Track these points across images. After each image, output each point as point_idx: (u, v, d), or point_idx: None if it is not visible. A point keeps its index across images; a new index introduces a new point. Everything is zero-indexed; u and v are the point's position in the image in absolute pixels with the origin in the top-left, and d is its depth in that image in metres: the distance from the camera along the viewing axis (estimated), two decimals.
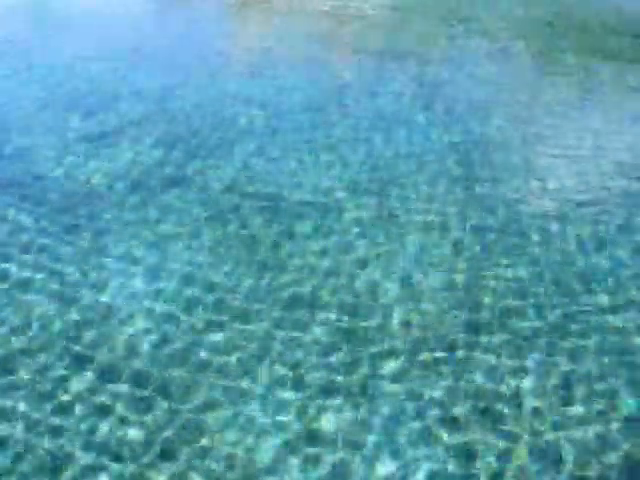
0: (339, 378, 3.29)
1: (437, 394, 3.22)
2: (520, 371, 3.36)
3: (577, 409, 3.16)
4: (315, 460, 2.91)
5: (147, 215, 4.47)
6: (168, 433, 3.02)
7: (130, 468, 2.85)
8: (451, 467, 2.89)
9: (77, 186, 4.75)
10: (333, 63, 6.83)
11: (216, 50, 7.10)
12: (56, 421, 3.05)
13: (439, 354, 3.44)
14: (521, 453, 2.95)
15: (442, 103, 6.02)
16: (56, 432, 3.00)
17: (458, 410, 3.15)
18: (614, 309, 3.75)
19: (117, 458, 2.90)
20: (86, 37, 7.39)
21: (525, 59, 6.98)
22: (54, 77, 6.41)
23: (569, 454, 2.96)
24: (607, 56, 7.05)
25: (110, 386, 3.23)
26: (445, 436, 3.02)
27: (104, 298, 3.76)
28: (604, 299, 3.82)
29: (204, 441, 2.98)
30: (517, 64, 6.86)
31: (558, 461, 2.93)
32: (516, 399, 3.21)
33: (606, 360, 3.43)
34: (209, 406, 3.15)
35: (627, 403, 3.19)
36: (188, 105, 5.93)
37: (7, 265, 4.00)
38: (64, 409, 3.11)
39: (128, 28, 7.71)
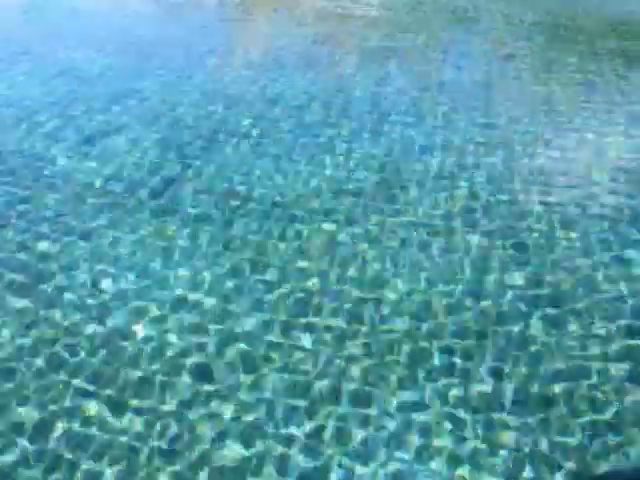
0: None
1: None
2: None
3: None
4: None
5: (145, 217, 4.48)
6: None
7: None
8: None
9: (76, 187, 4.77)
10: (333, 63, 6.83)
11: (216, 50, 7.10)
12: None
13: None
14: None
15: (442, 104, 6.03)
16: None
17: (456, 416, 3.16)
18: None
19: None
20: (86, 37, 7.39)
21: (526, 59, 6.98)
22: (53, 77, 6.42)
23: None
24: (607, 56, 7.05)
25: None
26: None
27: (97, 305, 3.78)
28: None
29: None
30: (518, 64, 6.86)
31: None
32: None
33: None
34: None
35: None
36: (187, 106, 5.93)
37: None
38: None
39: (128, 28, 7.71)
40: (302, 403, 3.18)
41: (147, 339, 3.51)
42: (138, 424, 3.06)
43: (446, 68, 6.72)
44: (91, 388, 3.23)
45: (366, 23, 7.89)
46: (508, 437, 3.04)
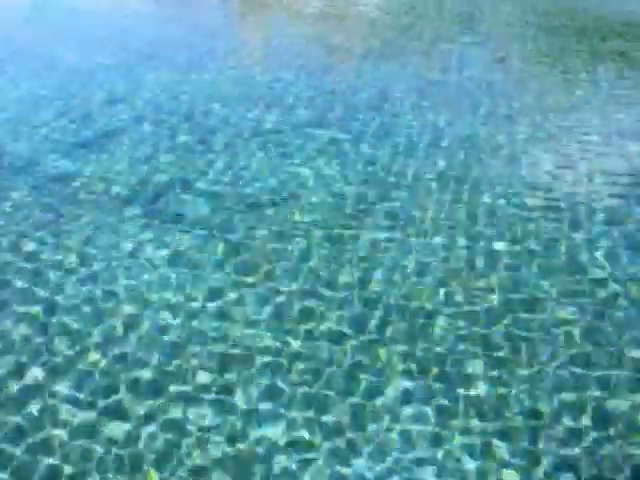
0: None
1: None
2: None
3: None
4: None
5: (144, 218, 4.48)
6: None
7: None
8: None
9: (75, 188, 4.77)
10: (333, 64, 6.84)
11: (216, 51, 7.12)
12: None
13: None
14: None
15: (443, 104, 6.03)
16: None
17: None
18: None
19: None
20: (87, 37, 7.40)
21: (526, 60, 6.98)
22: (53, 78, 6.43)
23: None
24: (607, 57, 7.06)
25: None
26: None
27: (93, 308, 3.78)
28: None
29: None
30: (518, 65, 6.87)
31: None
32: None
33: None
34: None
35: None
36: (187, 107, 5.93)
37: None
38: None
39: (128, 28, 7.72)
40: None
41: None
42: None
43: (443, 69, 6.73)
44: None
45: (363, 23, 7.91)
46: None
